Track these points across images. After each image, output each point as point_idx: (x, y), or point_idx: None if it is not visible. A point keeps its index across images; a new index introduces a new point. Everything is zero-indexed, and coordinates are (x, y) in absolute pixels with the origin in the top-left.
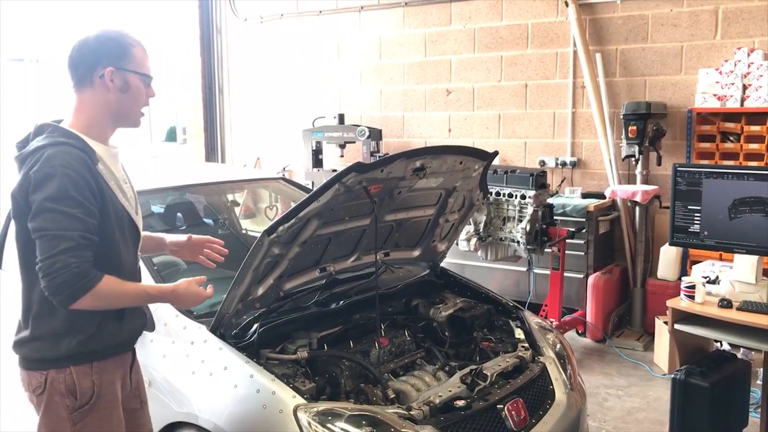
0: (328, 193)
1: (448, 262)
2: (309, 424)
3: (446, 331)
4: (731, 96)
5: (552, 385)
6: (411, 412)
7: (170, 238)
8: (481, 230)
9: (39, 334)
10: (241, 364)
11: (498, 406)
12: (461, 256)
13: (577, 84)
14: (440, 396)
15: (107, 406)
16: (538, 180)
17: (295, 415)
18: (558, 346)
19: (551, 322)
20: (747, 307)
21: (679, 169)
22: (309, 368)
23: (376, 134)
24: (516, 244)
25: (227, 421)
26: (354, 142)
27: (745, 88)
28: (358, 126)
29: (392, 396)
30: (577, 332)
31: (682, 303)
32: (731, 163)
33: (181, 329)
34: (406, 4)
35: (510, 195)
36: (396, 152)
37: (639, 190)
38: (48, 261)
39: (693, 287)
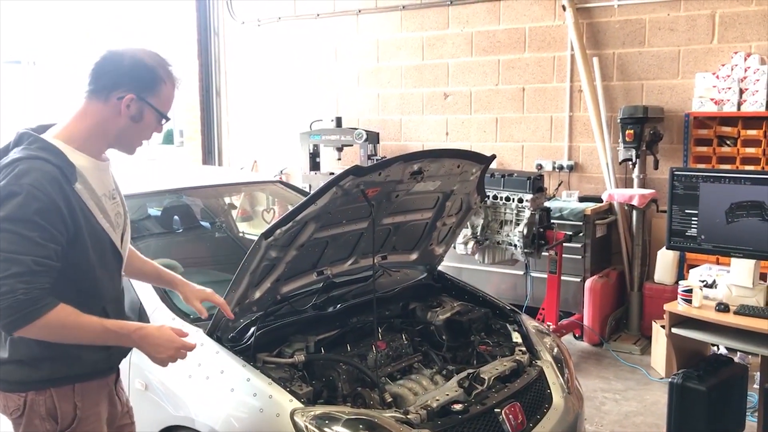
0: (326, 197)
1: (445, 265)
2: (306, 428)
3: (443, 334)
4: (728, 100)
5: (549, 389)
6: (408, 416)
7: (188, 286)
8: (478, 234)
9: (17, 357)
10: (237, 367)
11: (495, 410)
12: (458, 259)
13: (575, 88)
14: (437, 400)
15: (90, 429)
16: (536, 183)
17: (292, 418)
18: (555, 349)
19: (548, 325)
20: (744, 311)
21: (676, 173)
22: (306, 372)
23: (373, 137)
24: (513, 248)
25: (224, 425)
26: (351, 146)
27: (741, 92)
28: (356, 129)
29: (389, 400)
30: (574, 336)
31: (679, 307)
32: (728, 167)
33: None
34: (403, 7)
35: (507, 198)
36: (394, 155)
37: (636, 193)
38: None
39: (690, 291)
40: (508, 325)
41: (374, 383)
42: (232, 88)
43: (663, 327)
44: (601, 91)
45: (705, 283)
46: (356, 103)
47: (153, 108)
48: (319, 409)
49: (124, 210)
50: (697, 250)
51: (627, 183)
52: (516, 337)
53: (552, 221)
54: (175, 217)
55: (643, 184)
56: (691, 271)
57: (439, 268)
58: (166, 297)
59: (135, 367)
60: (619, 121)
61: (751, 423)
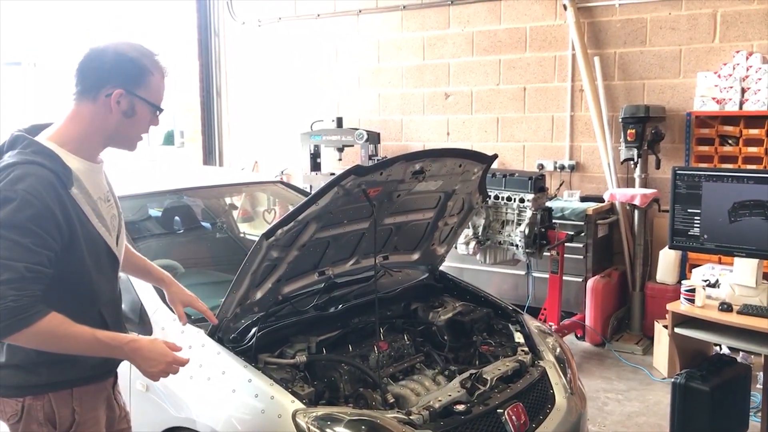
0: (327, 196)
1: (446, 265)
2: (308, 428)
3: (445, 335)
4: (730, 99)
5: (552, 389)
6: (410, 417)
7: (173, 287)
8: (479, 234)
9: (15, 362)
10: (239, 368)
11: (498, 410)
12: (460, 259)
13: (576, 87)
14: (440, 400)
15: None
16: (537, 183)
17: (293, 419)
18: (558, 350)
19: (550, 326)
20: (747, 310)
21: (678, 173)
22: (308, 372)
23: (374, 138)
24: (515, 248)
25: (225, 426)
26: (352, 146)
27: (743, 91)
28: (357, 129)
29: (391, 400)
30: (576, 336)
31: (682, 306)
32: (730, 166)
33: (179, 333)
34: (404, 7)
35: (509, 198)
36: (395, 156)
37: (638, 193)
38: None
39: (693, 291)
40: (510, 325)
41: (376, 384)
42: (233, 89)
43: (665, 327)
44: (603, 91)
45: (708, 282)
46: (357, 104)
47: (144, 100)
48: (321, 410)
49: (119, 211)
50: (700, 249)
51: (629, 183)
52: (518, 338)
53: (553, 221)
54: (176, 217)
55: (644, 184)
56: (693, 270)
57: (441, 268)
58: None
59: (136, 369)
60: (620, 120)
61: (755, 423)
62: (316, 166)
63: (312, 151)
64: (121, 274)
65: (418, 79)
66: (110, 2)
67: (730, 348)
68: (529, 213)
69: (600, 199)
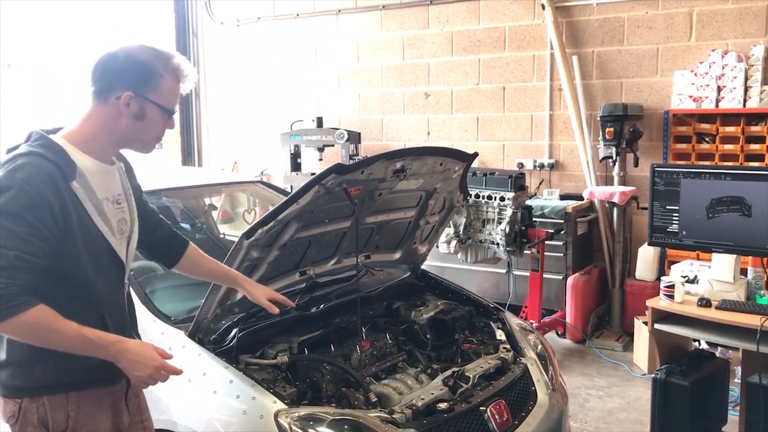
0: (308, 195)
1: (428, 264)
2: (290, 429)
3: (428, 333)
4: (706, 97)
5: (534, 386)
6: (393, 416)
7: (249, 288)
8: (461, 232)
9: (12, 359)
10: (220, 369)
11: (481, 408)
12: (441, 258)
13: (555, 86)
14: (422, 399)
15: None
16: (517, 182)
17: (276, 420)
18: (539, 347)
19: (531, 323)
20: (726, 305)
21: (657, 170)
22: (290, 373)
23: (354, 137)
24: (495, 246)
25: (206, 428)
26: (333, 146)
27: (719, 89)
28: (337, 129)
29: (374, 400)
30: (557, 333)
31: (661, 302)
32: (707, 163)
33: (159, 335)
34: (383, 7)
35: (489, 197)
36: (376, 154)
37: (616, 191)
38: None
39: (672, 287)
40: (491, 323)
41: (359, 383)
42: (212, 89)
43: (645, 323)
44: (581, 90)
45: (687, 278)
46: (337, 104)
47: (154, 104)
48: (303, 410)
49: (131, 216)
50: (679, 245)
51: (607, 181)
52: (500, 335)
53: (534, 219)
54: None
55: (623, 182)
56: (672, 266)
57: (423, 267)
58: (147, 300)
59: None
60: (598, 119)
61: (733, 417)
62: (296, 167)
63: (292, 151)
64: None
65: (398, 78)
66: (87, 3)
67: (708, 343)
68: (509, 211)
69: (579, 197)
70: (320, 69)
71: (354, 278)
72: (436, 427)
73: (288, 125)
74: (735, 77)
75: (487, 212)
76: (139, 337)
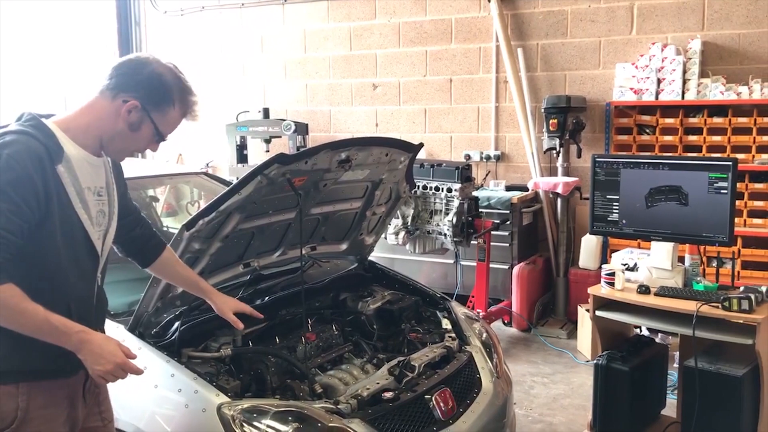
0: (250, 186)
1: (376, 255)
2: (233, 421)
3: (374, 323)
4: (647, 90)
5: (479, 373)
6: (339, 406)
7: (216, 300)
8: (408, 223)
9: None
10: (161, 363)
11: (426, 396)
12: (390, 249)
13: (500, 78)
14: (368, 389)
15: (37, 431)
16: (464, 173)
17: (219, 413)
18: (484, 335)
19: (478, 312)
20: (664, 292)
21: (597, 160)
22: (233, 366)
23: (302, 129)
24: (443, 237)
25: (148, 423)
26: (280, 137)
27: (659, 82)
28: (284, 120)
29: (319, 391)
30: (504, 322)
31: (602, 290)
32: (646, 154)
33: (114, 329)
34: None
35: (436, 188)
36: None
37: (560, 181)
38: None
39: (613, 274)
40: (438, 312)
41: (304, 375)
42: None
43: (588, 311)
44: (526, 82)
45: (627, 266)
46: (284, 94)
47: (152, 123)
48: (246, 403)
49: (110, 210)
50: (619, 234)
51: (552, 172)
52: (446, 324)
53: (480, 210)
54: None
55: (566, 173)
56: (613, 255)
57: (370, 258)
58: None
59: None
60: (543, 110)
61: (671, 400)
62: (242, 158)
63: (238, 143)
64: None
65: (346, 69)
66: None
67: (648, 329)
68: (456, 202)
69: (524, 188)
70: (266, 59)
71: (299, 270)
72: (382, 417)
73: (234, 116)
74: (674, 70)
75: (434, 203)
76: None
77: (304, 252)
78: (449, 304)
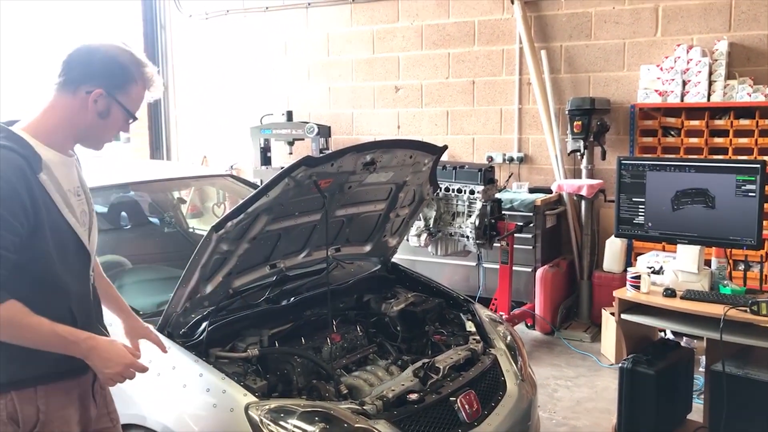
0: (278, 188)
1: (399, 257)
2: (261, 421)
3: (398, 325)
4: (672, 92)
5: (503, 376)
6: (364, 407)
7: (131, 321)
8: (431, 226)
9: None
10: (189, 363)
11: (451, 398)
12: (412, 251)
13: (524, 80)
14: (393, 390)
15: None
16: (486, 175)
17: (246, 413)
18: (509, 338)
19: (501, 315)
20: (690, 295)
21: (623, 162)
22: (260, 366)
23: (325, 131)
24: (465, 239)
25: (176, 422)
26: (303, 140)
27: (684, 83)
28: (307, 123)
29: (345, 391)
30: (527, 325)
31: (627, 293)
32: (672, 156)
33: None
34: (353, 0)
35: (459, 190)
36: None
37: (584, 184)
38: None
39: (638, 277)
40: (461, 314)
41: (329, 375)
42: (180, 83)
43: (612, 314)
44: (550, 84)
45: (652, 269)
46: (307, 97)
47: (121, 106)
48: (273, 403)
49: (90, 208)
50: (645, 237)
51: (575, 174)
52: (470, 327)
53: (503, 212)
54: (123, 213)
55: (591, 175)
56: (638, 258)
57: (393, 260)
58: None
59: None
60: (567, 112)
61: (698, 405)
62: (266, 161)
63: (262, 145)
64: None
65: (369, 72)
66: None
67: (674, 333)
68: (479, 204)
69: (548, 191)
70: (290, 62)
71: (324, 271)
72: (407, 418)
73: (258, 119)
74: (699, 72)
75: (456, 205)
76: (106, 329)
77: (329, 253)
78: (473, 307)
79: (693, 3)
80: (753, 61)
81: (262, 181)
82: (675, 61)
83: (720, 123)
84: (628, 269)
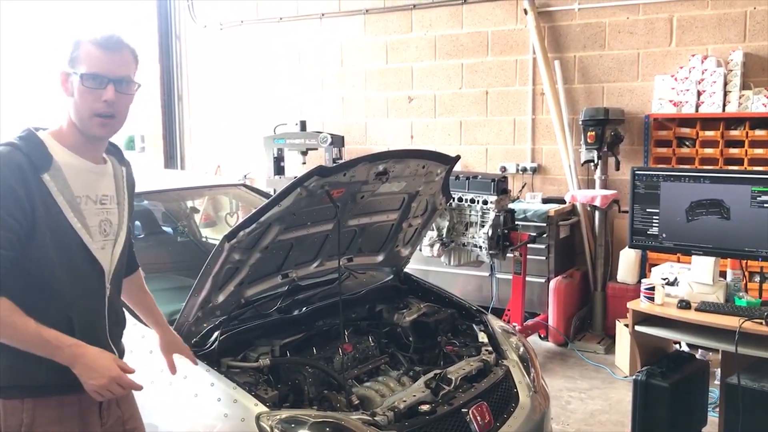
0: (290, 197)
1: (411, 267)
2: (271, 431)
3: (410, 336)
4: (686, 102)
5: (516, 388)
6: (375, 418)
7: (168, 336)
8: (444, 236)
9: None
10: (201, 372)
11: (463, 410)
12: (424, 261)
13: (537, 91)
14: (404, 401)
15: None
16: (500, 185)
17: (257, 423)
18: (521, 349)
19: (514, 326)
20: (705, 307)
21: (637, 173)
22: (271, 376)
23: (338, 141)
24: (478, 249)
25: (188, 431)
26: (316, 149)
27: (699, 94)
28: (320, 133)
29: (356, 402)
30: (540, 336)
31: (642, 305)
32: (687, 167)
33: (140, 338)
34: (366, 11)
35: (472, 200)
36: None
37: (598, 194)
38: None
39: (653, 289)
40: (474, 325)
41: (341, 386)
42: (195, 93)
43: (626, 326)
44: (563, 94)
45: (667, 280)
46: (320, 107)
47: (77, 74)
48: (285, 413)
49: (120, 220)
50: (659, 248)
51: (589, 184)
52: (482, 338)
53: (516, 223)
54: (136, 222)
55: (605, 185)
56: (653, 269)
57: (405, 270)
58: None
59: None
60: (580, 123)
61: (713, 418)
62: (279, 170)
63: (275, 155)
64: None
65: (382, 82)
66: (69, 4)
67: (689, 345)
68: (492, 215)
69: (561, 201)
70: (304, 72)
71: (336, 281)
72: (418, 429)
73: (271, 129)
74: (714, 82)
75: (470, 215)
76: (116, 348)
77: (341, 263)
78: (485, 318)
79: (707, 13)
80: None
81: (275, 191)
82: (690, 72)
83: (735, 134)
84: (642, 280)
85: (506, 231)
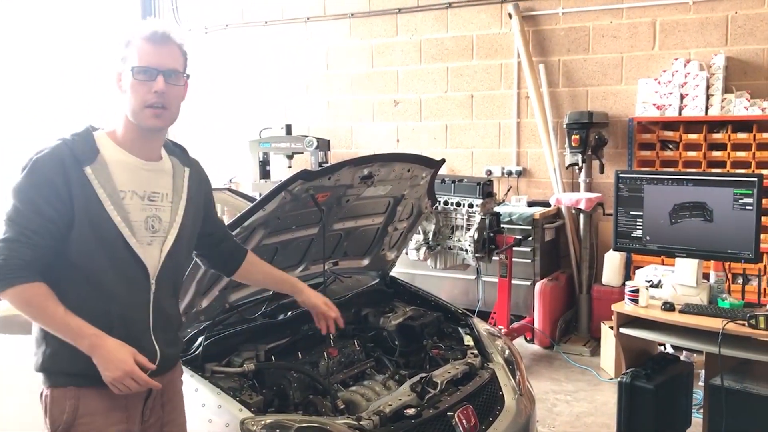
0: (274, 202)
1: (397, 271)
2: None
3: (396, 339)
4: (670, 105)
5: (501, 391)
6: (361, 422)
7: (307, 293)
8: (430, 239)
9: (37, 336)
10: (185, 378)
11: (448, 413)
12: (411, 265)
13: (522, 94)
14: (390, 405)
15: None
16: (485, 189)
17: (242, 428)
18: (507, 352)
19: (500, 329)
20: (689, 309)
21: (621, 176)
22: (256, 381)
23: (324, 145)
24: (464, 253)
25: None
26: (302, 153)
27: (682, 97)
28: (306, 136)
29: (342, 406)
30: (526, 339)
31: (626, 307)
32: (670, 170)
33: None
34: (352, 15)
35: (458, 204)
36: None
37: (583, 197)
38: None
39: (637, 291)
40: (460, 328)
41: (326, 390)
42: None
43: (611, 328)
44: (548, 98)
45: (651, 283)
46: (306, 111)
47: (130, 69)
48: (270, 418)
49: (171, 218)
50: (643, 251)
51: (574, 187)
52: (468, 341)
53: (502, 226)
54: None
55: (589, 188)
56: (637, 271)
57: (392, 274)
58: None
59: None
60: (565, 126)
61: (697, 419)
62: (265, 174)
63: (261, 159)
64: None
65: (368, 86)
66: (51, 6)
67: (673, 347)
68: (477, 218)
69: (546, 204)
70: (289, 76)
71: (322, 285)
72: None
73: (257, 132)
74: (697, 85)
75: (455, 219)
76: (160, 350)
77: (326, 267)
78: (471, 321)
79: (690, 17)
80: (750, 75)
81: (260, 195)
82: (673, 75)
83: (718, 137)
84: (627, 283)
85: (492, 234)
